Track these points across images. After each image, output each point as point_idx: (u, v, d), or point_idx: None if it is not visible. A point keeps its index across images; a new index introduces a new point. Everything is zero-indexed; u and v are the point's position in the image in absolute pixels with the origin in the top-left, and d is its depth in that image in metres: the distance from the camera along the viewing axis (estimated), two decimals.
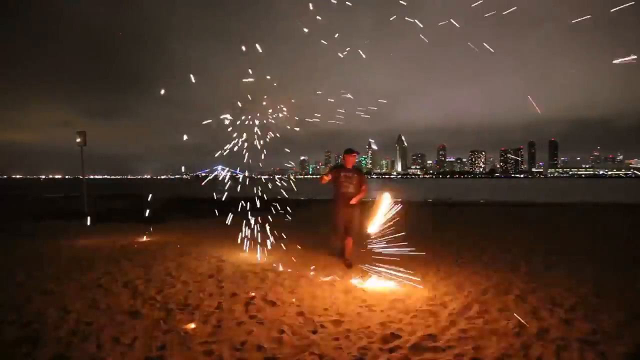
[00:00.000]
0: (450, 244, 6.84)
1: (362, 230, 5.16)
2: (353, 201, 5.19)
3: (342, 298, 3.89)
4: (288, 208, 7.42)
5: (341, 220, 5.25)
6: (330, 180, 5.31)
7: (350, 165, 5.40)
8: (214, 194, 6.59)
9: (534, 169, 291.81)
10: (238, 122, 5.90)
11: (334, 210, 5.30)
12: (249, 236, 6.21)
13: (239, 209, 6.39)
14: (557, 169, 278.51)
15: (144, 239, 7.29)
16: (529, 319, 3.28)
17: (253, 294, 3.97)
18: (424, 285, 4.27)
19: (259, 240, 6.10)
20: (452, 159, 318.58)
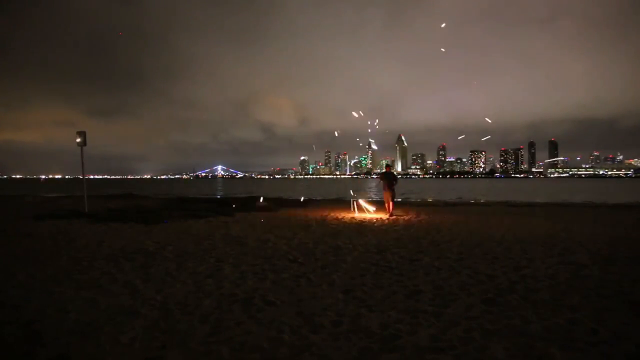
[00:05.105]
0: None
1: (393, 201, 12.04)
2: (391, 187, 11.79)
3: (342, 298, 3.89)
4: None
5: (386, 196, 11.84)
6: (380, 179, 12.18)
7: (388, 170, 12.43)
8: None
9: (534, 169, 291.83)
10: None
11: (384, 192, 11.93)
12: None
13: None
14: (557, 169, 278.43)
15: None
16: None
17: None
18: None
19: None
20: (452, 159, 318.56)
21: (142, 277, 4.65)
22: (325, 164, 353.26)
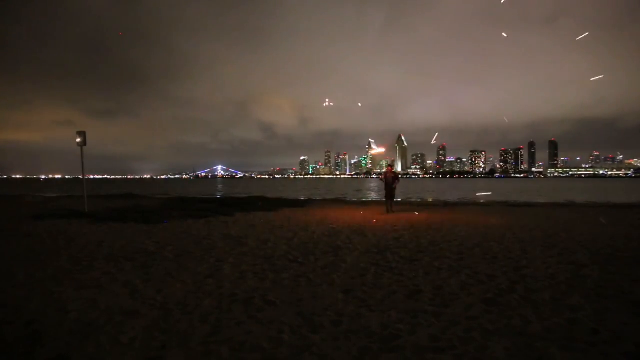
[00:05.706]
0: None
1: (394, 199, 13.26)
2: (392, 187, 12.68)
3: (342, 298, 3.89)
4: None
5: (387, 195, 12.72)
6: (382, 178, 12.83)
7: (390, 170, 13.15)
8: None
9: (534, 169, 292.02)
10: None
11: (385, 191, 12.70)
12: None
13: None
14: (557, 169, 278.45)
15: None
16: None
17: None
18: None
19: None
20: (452, 159, 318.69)
21: (142, 277, 4.65)
22: (325, 164, 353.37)
